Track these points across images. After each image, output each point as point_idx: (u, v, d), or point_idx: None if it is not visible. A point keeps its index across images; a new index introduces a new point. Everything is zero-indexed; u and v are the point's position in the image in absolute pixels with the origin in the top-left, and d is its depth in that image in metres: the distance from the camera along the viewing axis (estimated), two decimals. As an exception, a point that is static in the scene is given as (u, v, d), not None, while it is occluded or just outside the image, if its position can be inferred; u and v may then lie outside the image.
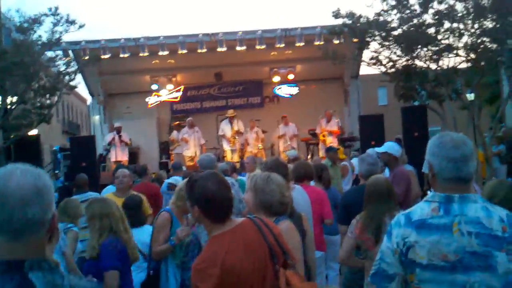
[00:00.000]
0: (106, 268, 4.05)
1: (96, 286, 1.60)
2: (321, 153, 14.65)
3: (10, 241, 1.54)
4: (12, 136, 13.83)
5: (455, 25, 12.99)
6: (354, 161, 10.56)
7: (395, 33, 13.77)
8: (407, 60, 14.24)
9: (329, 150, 10.31)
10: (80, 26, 14.07)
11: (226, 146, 15.54)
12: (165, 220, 4.81)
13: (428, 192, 10.74)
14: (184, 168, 12.77)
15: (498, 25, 12.44)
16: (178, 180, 7.91)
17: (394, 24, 13.69)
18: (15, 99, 13.67)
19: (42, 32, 14.13)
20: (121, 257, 4.14)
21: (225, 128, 15.62)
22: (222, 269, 2.59)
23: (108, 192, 7.15)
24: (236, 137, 15.47)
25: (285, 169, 4.67)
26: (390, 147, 6.61)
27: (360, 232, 4.14)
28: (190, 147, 15.47)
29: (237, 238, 2.72)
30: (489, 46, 13.06)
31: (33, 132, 15.16)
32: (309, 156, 15.79)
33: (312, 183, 6.70)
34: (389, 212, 4.08)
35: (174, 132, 16.84)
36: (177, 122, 17.47)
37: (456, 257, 2.29)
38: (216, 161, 6.98)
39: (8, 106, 13.58)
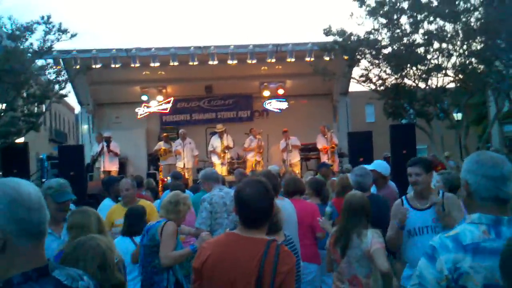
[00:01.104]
0: None
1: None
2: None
3: (37, 244, 1.71)
4: (0, 143, 13.75)
5: (444, 45, 13.19)
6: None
7: (385, 51, 13.97)
8: (396, 78, 14.43)
9: (322, 166, 10.31)
10: (72, 35, 14.12)
11: (216, 160, 15.53)
12: (175, 228, 4.81)
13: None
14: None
15: (486, 47, 12.65)
16: None
17: (384, 43, 13.88)
18: (4, 106, 13.62)
19: (34, 40, 14.16)
20: None
21: (215, 143, 15.62)
22: (206, 258, 2.79)
23: (110, 204, 7.08)
24: (226, 152, 15.49)
25: (275, 180, 4.76)
26: (378, 165, 6.62)
27: (331, 245, 4.30)
28: (181, 158, 15.45)
29: (235, 248, 2.78)
30: (477, 67, 13.27)
31: (21, 139, 15.08)
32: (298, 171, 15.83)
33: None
34: (357, 228, 4.18)
35: (161, 143, 16.77)
36: (166, 134, 17.43)
37: None
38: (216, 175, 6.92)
39: (-3, 113, 13.54)
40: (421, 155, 19.39)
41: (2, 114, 13.76)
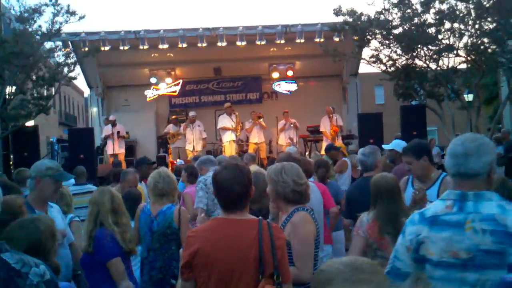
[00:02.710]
0: (107, 259, 4.04)
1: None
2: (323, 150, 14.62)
3: None
4: (10, 126, 13.82)
5: (455, 25, 13.02)
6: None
7: (396, 31, 13.81)
8: (407, 59, 14.29)
9: (331, 148, 10.22)
10: (81, 17, 14.07)
11: (226, 138, 15.36)
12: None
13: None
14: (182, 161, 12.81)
15: (498, 26, 12.47)
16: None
17: (395, 23, 13.72)
18: (14, 89, 13.66)
19: (42, 23, 14.13)
20: (114, 247, 4.09)
21: (225, 121, 15.46)
22: (197, 247, 2.75)
23: None
24: (240, 129, 15.41)
25: (297, 163, 4.71)
26: (396, 144, 6.69)
27: (375, 232, 3.96)
28: (190, 141, 15.43)
29: (228, 230, 2.79)
30: (489, 47, 13.09)
31: (31, 123, 15.14)
32: (307, 153, 15.79)
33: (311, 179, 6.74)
34: (404, 212, 3.94)
35: (170, 126, 16.78)
36: (175, 116, 17.44)
37: (468, 255, 2.27)
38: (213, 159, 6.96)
39: (7, 96, 13.56)
40: (432, 137, 19.34)
41: (12, 97, 13.80)
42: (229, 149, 15.03)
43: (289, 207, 3.57)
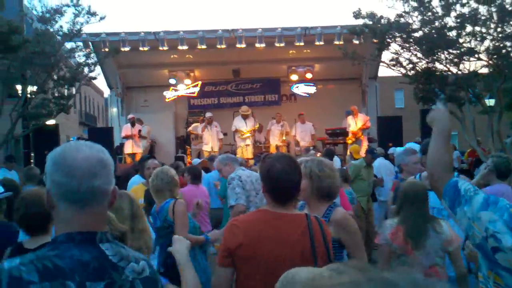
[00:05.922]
0: None
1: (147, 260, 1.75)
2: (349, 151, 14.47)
3: (78, 211, 1.64)
4: (31, 125, 14.01)
5: (477, 28, 12.86)
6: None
7: (416, 35, 13.68)
8: (428, 62, 14.14)
9: (369, 152, 10.09)
10: (101, 18, 14.24)
11: (240, 142, 15.42)
12: (185, 205, 4.80)
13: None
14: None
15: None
16: None
17: (415, 26, 13.59)
18: (35, 88, 13.84)
19: (63, 23, 14.33)
20: None
21: (238, 124, 15.49)
22: (242, 240, 2.70)
23: (136, 182, 7.12)
24: (249, 135, 15.37)
25: None
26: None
27: (400, 238, 3.91)
28: (208, 142, 15.45)
29: (275, 224, 2.74)
30: (511, 51, 12.91)
31: (52, 122, 15.32)
32: (324, 156, 15.69)
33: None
34: (431, 222, 3.91)
35: (197, 124, 16.75)
36: (202, 117, 17.46)
37: None
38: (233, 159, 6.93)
39: (28, 95, 13.75)
40: (451, 142, 19.14)
41: (34, 96, 13.98)
42: (244, 151, 15.02)
43: (321, 205, 3.48)
